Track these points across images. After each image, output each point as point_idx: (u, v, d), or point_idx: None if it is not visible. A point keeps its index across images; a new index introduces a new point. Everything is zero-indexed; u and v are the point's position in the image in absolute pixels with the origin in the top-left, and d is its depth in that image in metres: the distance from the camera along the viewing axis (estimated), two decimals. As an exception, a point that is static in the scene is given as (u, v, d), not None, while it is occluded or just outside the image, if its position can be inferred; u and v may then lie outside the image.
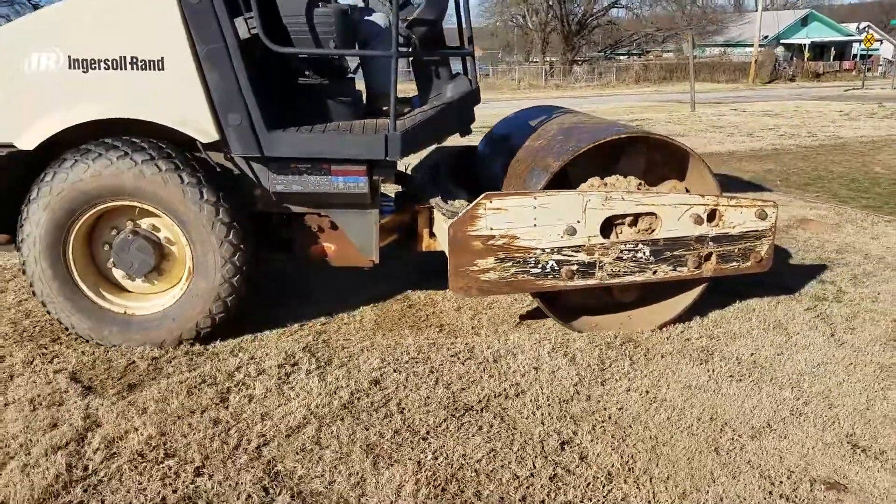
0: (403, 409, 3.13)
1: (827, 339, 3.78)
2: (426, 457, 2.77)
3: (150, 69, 3.50)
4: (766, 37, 44.25)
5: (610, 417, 3.04)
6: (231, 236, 3.60)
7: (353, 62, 4.51)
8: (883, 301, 4.34)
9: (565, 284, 3.68)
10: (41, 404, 3.14)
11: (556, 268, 3.63)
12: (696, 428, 2.94)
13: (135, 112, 3.52)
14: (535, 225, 3.56)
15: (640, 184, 3.86)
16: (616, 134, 3.68)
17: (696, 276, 3.78)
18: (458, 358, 3.62)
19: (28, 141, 3.54)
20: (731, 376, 3.38)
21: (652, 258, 3.68)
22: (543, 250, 3.60)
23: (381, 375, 3.44)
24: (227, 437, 2.89)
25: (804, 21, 49.53)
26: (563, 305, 4.01)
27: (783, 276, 4.76)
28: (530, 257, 3.60)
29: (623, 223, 3.69)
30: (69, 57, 3.49)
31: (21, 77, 3.52)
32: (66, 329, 3.77)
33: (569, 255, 3.62)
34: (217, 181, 3.63)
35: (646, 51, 50.12)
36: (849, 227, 6.07)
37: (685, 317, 4.01)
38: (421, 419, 3.04)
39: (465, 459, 2.75)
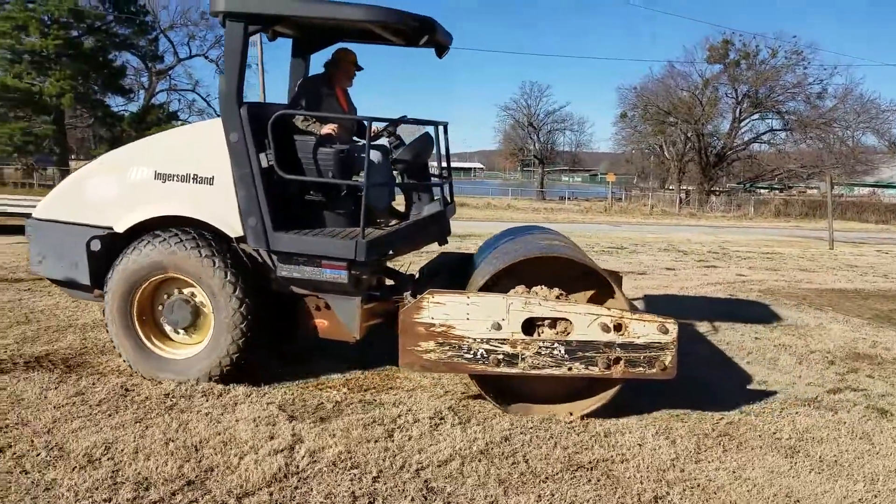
0: (528, 459, 3.95)
1: (908, 451, 4.21)
2: (545, 492, 3.57)
3: (204, 184, 4.94)
4: (920, 179, 42.45)
5: (698, 485, 3.70)
6: (241, 307, 4.77)
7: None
8: (980, 431, 4.66)
9: (493, 370, 4.41)
10: (261, 423, 4.27)
11: (486, 355, 4.38)
12: (771, 500, 3.54)
13: (191, 212, 4.95)
14: (468, 318, 4.37)
15: (560, 294, 4.55)
16: (540, 252, 4.64)
17: (606, 375, 4.37)
18: (575, 430, 4.41)
19: (121, 226, 5.06)
20: (811, 469, 3.93)
21: (567, 356, 4.33)
22: (474, 339, 4.37)
23: (510, 435, 4.29)
24: (394, 460, 3.84)
25: (965, 164, 47.09)
26: (513, 391, 4.73)
27: (877, 397, 5.19)
28: (464, 344, 4.38)
29: (544, 324, 4.39)
30: (155, 171, 5.03)
31: (125, 183, 5.11)
32: (125, 362, 5.08)
33: (496, 346, 4.37)
34: (237, 264, 4.85)
35: (788, 186, 49.34)
36: (959, 364, 6.28)
37: (775, 421, 4.59)
38: (541, 468, 3.85)
39: (575, 499, 3.52)
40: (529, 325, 4.38)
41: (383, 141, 5.64)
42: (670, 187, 47.33)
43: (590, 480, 3.73)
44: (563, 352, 4.33)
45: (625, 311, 4.34)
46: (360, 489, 3.50)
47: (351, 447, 3.98)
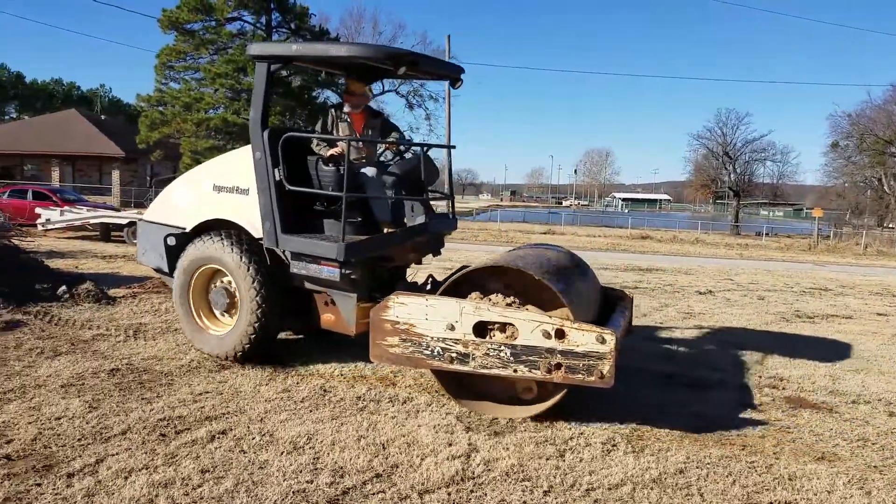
0: (703, 493, 3.87)
1: None
2: (719, 527, 3.48)
3: (243, 194, 5.93)
4: None
5: (896, 542, 3.40)
6: (260, 295, 5.70)
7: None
8: None
9: (447, 366, 4.77)
10: (440, 430, 4.58)
11: (441, 353, 4.75)
12: None
13: (233, 217, 6.00)
14: (427, 319, 4.77)
15: (512, 301, 4.78)
16: (493, 263, 5.07)
17: (548, 379, 4.55)
18: (756, 470, 4.22)
19: (189, 226, 6.29)
20: None
21: (512, 358, 4.57)
22: (432, 338, 4.76)
23: (685, 468, 4.21)
24: (565, 478, 3.96)
25: None
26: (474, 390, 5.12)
27: None
28: (423, 341, 4.79)
29: (495, 328, 4.66)
30: (214, 184, 6.15)
31: (194, 193, 6.39)
32: (184, 334, 6.39)
33: (450, 345, 4.72)
34: (259, 261, 5.77)
35: None
36: None
37: None
38: (717, 503, 3.75)
39: (752, 537, 3.40)
40: (482, 328, 4.69)
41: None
42: (890, 225, 42.28)
43: (769, 522, 3.57)
44: (508, 354, 4.59)
45: (565, 320, 4.49)
46: (531, 500, 3.66)
47: (523, 461, 4.15)
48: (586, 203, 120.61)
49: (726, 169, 54.47)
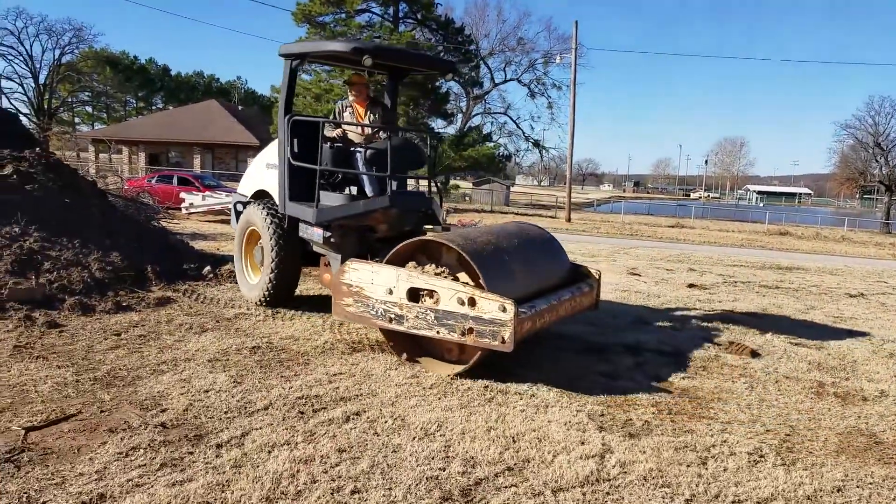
0: (867, 517, 3.51)
1: None
2: (889, 557, 3.14)
3: (276, 169, 7.14)
4: None
5: None
6: (276, 252, 6.99)
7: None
8: None
9: (388, 326, 5.42)
10: (572, 427, 4.44)
11: (383, 313, 5.40)
12: None
13: (268, 188, 7.53)
14: (373, 283, 5.44)
15: (441, 271, 5.29)
16: (425, 238, 5.68)
17: (463, 342, 5.06)
18: (930, 496, 3.79)
19: (248, 194, 7.96)
20: None
21: (435, 321, 5.10)
22: (376, 300, 5.43)
23: (844, 486, 3.84)
24: (708, 487, 3.71)
25: None
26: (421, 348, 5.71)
27: None
28: (370, 303, 5.48)
29: (425, 294, 5.19)
30: (267, 162, 7.60)
31: (256, 169, 7.91)
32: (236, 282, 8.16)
33: (389, 307, 5.36)
34: (279, 225, 7.04)
35: None
36: None
37: None
38: (885, 530, 3.39)
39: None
40: (416, 294, 5.23)
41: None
42: None
43: (949, 556, 3.18)
44: (433, 317, 5.12)
45: (476, 290, 4.92)
46: (672, 508, 3.46)
47: (662, 466, 3.94)
48: (717, 195, 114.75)
49: (877, 161, 49.97)
